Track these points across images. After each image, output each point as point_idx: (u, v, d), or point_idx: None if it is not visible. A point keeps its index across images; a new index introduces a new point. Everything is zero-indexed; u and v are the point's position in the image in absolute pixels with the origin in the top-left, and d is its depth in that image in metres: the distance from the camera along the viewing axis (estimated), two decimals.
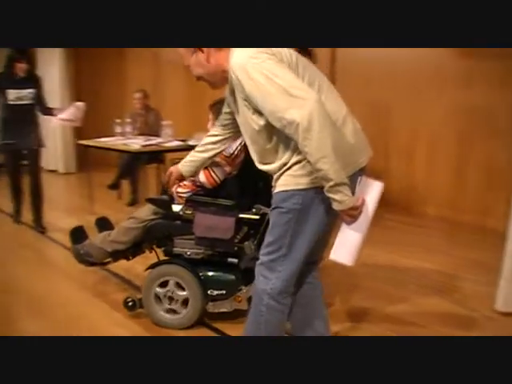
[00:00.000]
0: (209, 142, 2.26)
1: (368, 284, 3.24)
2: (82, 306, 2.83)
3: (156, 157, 5.09)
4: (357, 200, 1.70)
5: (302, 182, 1.75)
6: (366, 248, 3.87)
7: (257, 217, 2.51)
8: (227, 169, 2.54)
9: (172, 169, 2.34)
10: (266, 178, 2.58)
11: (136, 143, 4.44)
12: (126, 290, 3.01)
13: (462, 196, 4.84)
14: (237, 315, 2.63)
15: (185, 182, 2.64)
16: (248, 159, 2.52)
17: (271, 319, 1.88)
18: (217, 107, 2.69)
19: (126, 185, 5.34)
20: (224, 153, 2.53)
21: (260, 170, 2.55)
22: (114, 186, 5.25)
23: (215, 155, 2.30)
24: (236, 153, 2.56)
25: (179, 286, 2.56)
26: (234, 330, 2.56)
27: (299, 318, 2.08)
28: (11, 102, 4.04)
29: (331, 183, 1.62)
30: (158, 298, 2.60)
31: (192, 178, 2.60)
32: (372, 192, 1.76)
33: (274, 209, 1.85)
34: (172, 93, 7.17)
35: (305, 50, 2.97)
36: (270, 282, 1.87)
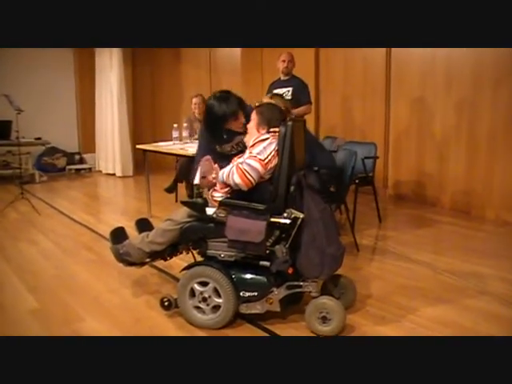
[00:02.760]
0: None
1: (427, 288, 3.17)
2: (142, 309, 2.91)
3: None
4: None
5: None
6: (425, 252, 3.82)
7: (288, 221, 2.53)
8: (261, 171, 2.57)
9: None
10: (298, 183, 2.61)
11: (193, 147, 4.59)
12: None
13: None
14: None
15: (218, 189, 2.71)
16: (281, 164, 2.57)
17: None
18: (262, 109, 2.74)
19: (182, 188, 5.51)
20: (259, 156, 2.57)
21: (292, 176, 2.59)
22: (171, 189, 5.43)
23: None
24: (270, 158, 2.59)
25: (217, 293, 2.62)
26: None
27: None
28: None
29: None
30: (192, 292, 2.68)
31: (226, 186, 2.66)
32: None
33: None
34: None
35: None
36: None
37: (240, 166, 2.56)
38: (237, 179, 2.56)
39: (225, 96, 2.84)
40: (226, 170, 2.63)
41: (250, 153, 2.62)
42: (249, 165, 2.55)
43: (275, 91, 4.81)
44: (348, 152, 3.99)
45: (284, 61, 4.83)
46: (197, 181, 2.80)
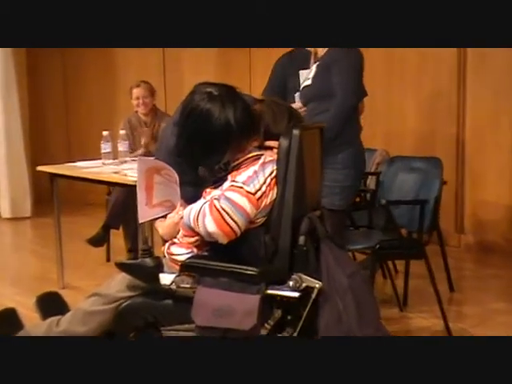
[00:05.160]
0: None
1: None
2: None
3: None
4: None
5: None
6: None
7: (296, 294, 2.57)
8: (250, 211, 2.62)
9: None
10: (311, 231, 2.68)
11: (135, 171, 4.60)
12: None
13: None
14: None
15: (180, 238, 2.76)
16: (283, 200, 2.63)
17: None
18: (262, 108, 2.84)
19: (117, 237, 5.55)
20: (246, 186, 2.62)
21: (301, 219, 2.65)
22: (99, 240, 5.46)
23: None
24: (264, 189, 2.64)
25: None
26: None
27: None
28: None
29: None
30: None
31: (193, 234, 2.70)
32: None
33: None
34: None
35: None
36: None
37: (216, 202, 2.59)
38: (210, 225, 2.59)
39: (231, 93, 2.75)
40: (195, 207, 2.66)
41: (233, 181, 2.66)
42: (229, 201, 2.58)
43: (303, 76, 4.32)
44: (424, 174, 4.13)
45: None
46: (144, 218, 2.90)
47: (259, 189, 2.63)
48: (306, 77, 4.05)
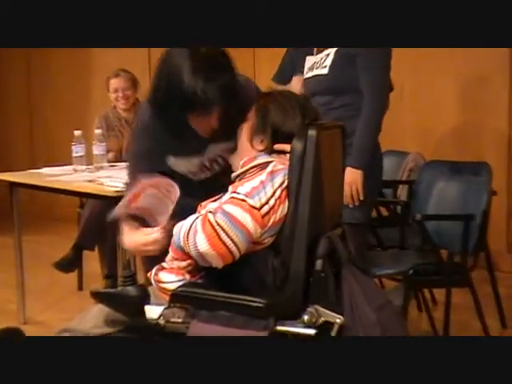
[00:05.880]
0: None
1: None
2: None
3: None
4: None
5: None
6: None
7: (312, 331, 2.57)
8: (253, 230, 2.61)
9: None
10: (330, 253, 2.67)
11: (114, 179, 4.59)
12: None
13: None
14: None
15: (170, 262, 2.75)
16: (295, 215, 2.62)
17: None
18: (267, 102, 2.82)
19: (92, 260, 5.55)
20: (249, 199, 2.61)
21: (318, 238, 2.63)
22: (69, 262, 5.45)
23: None
24: (272, 203, 2.62)
25: None
26: None
27: None
28: None
29: None
30: None
31: (185, 257, 2.69)
32: None
33: None
34: None
35: None
36: None
37: (210, 216, 2.58)
38: (202, 244, 2.56)
39: (211, 59, 2.85)
40: (187, 223, 2.66)
41: (234, 192, 2.65)
42: (227, 215, 2.57)
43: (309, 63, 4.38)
44: (468, 182, 4.23)
45: None
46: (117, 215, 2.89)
47: (266, 203, 2.60)
48: (320, 64, 4.07)
